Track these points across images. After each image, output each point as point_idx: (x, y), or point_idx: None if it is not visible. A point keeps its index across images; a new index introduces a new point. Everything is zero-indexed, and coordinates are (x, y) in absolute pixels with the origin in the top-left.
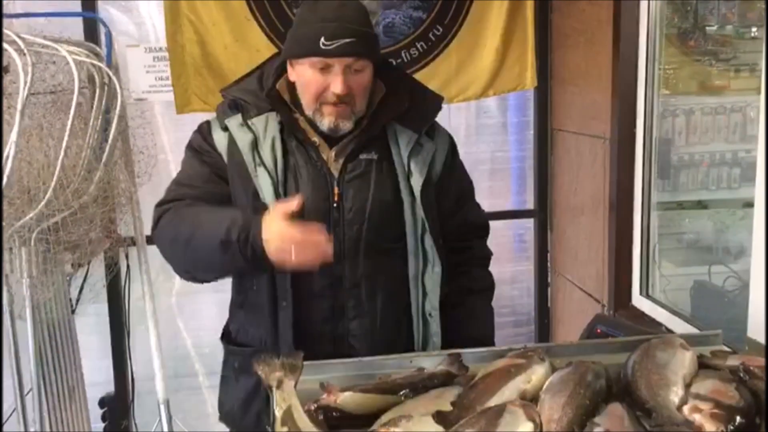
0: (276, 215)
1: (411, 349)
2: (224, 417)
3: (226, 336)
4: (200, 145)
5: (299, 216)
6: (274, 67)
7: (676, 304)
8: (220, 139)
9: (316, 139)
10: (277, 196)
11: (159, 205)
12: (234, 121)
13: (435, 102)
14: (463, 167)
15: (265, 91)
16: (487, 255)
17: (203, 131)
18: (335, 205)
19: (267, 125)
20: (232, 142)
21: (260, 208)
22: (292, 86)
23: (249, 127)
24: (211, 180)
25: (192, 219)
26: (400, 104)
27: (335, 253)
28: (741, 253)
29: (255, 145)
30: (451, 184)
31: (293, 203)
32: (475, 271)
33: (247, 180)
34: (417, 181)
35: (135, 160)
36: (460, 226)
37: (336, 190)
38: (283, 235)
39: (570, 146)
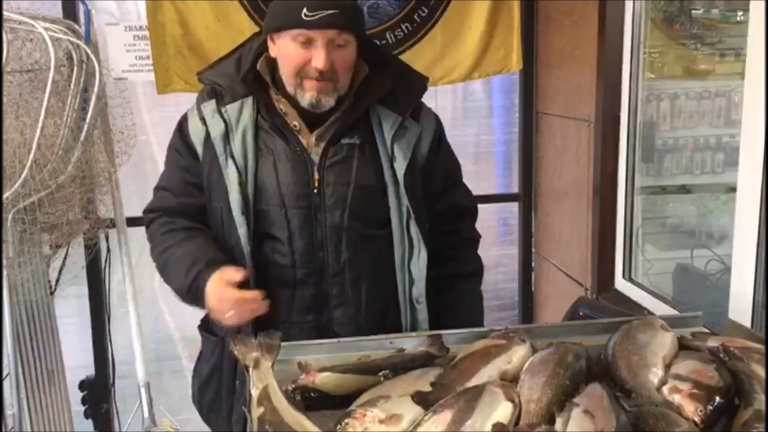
0: (219, 281)
1: None
2: (192, 395)
3: (204, 322)
4: (175, 145)
5: (281, 202)
6: (254, 47)
7: (658, 288)
8: (196, 131)
9: (296, 122)
10: (243, 190)
11: (145, 211)
12: (208, 108)
13: (420, 83)
14: (451, 150)
15: (241, 75)
16: (476, 238)
17: (180, 125)
18: (315, 190)
19: (241, 113)
20: (208, 133)
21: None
22: (273, 65)
23: (222, 116)
24: (184, 192)
25: (160, 254)
26: (384, 85)
27: (318, 240)
28: (724, 238)
29: (226, 135)
30: (437, 167)
31: (237, 276)
32: (463, 255)
33: (220, 172)
34: (401, 166)
35: (114, 140)
36: (448, 209)
37: (316, 176)
38: (220, 297)
39: (555, 130)
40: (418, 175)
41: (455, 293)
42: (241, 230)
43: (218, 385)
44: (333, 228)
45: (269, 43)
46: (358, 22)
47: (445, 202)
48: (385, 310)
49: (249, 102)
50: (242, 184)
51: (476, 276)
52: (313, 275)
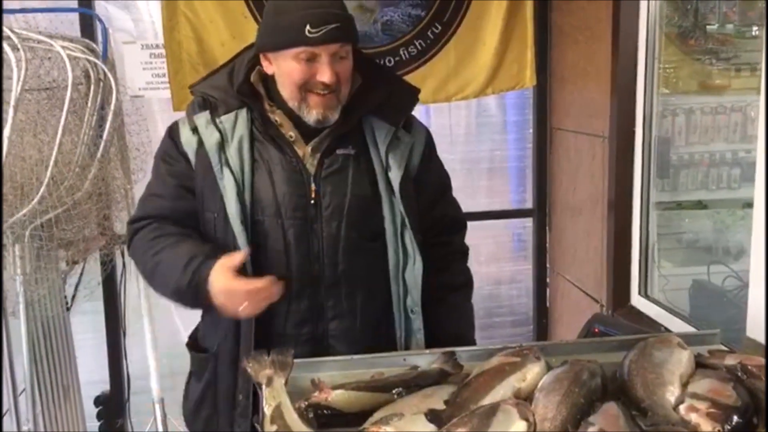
0: (221, 270)
1: (393, 347)
2: (184, 418)
3: (192, 340)
4: (167, 152)
5: (277, 212)
6: (246, 60)
7: (674, 304)
8: (188, 141)
9: (292, 133)
10: (241, 199)
11: (130, 222)
12: (202, 119)
13: (411, 94)
14: (440, 162)
15: (235, 87)
16: (466, 250)
17: (171, 134)
18: (312, 202)
19: (236, 124)
20: (200, 143)
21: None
22: (266, 79)
23: (216, 126)
24: (179, 195)
25: (152, 257)
26: (376, 96)
27: (314, 251)
28: (741, 253)
29: (221, 145)
30: (428, 178)
31: (237, 258)
32: (454, 267)
33: (214, 181)
34: (396, 176)
35: (131, 157)
36: (439, 220)
37: (312, 187)
38: (228, 290)
39: (569, 145)
40: (412, 185)
41: (448, 305)
42: (240, 240)
43: (214, 401)
44: (329, 239)
45: (263, 59)
46: (356, 32)
47: (436, 214)
48: (380, 320)
49: (243, 113)
50: (240, 194)
51: (467, 288)
52: (308, 287)
